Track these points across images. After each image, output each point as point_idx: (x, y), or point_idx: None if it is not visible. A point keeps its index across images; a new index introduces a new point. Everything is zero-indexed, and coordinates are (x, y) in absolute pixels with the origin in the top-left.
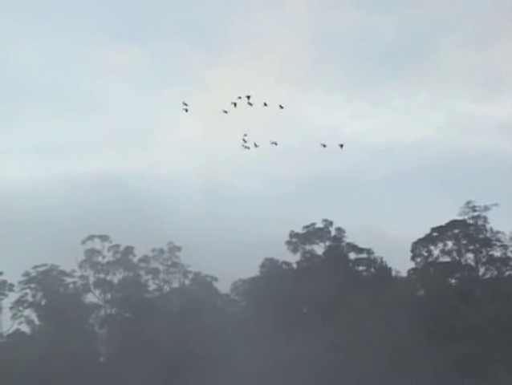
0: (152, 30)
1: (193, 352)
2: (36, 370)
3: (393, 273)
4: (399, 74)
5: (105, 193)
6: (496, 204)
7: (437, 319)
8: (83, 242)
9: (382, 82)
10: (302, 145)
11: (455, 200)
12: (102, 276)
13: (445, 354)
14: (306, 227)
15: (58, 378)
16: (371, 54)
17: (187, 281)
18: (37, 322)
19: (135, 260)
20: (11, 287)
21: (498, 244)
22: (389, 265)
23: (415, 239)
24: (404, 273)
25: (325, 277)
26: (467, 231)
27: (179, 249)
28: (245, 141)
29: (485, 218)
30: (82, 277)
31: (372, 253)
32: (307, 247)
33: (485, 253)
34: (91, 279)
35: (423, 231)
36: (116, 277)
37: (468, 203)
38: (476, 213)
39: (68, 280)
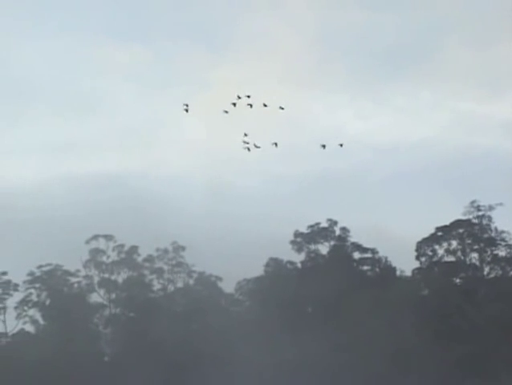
0: (155, 30)
1: (198, 352)
2: (41, 369)
3: (398, 272)
4: (402, 73)
5: (109, 193)
6: (500, 204)
7: (442, 319)
8: (88, 242)
9: (385, 81)
10: (305, 144)
11: (459, 200)
12: (106, 276)
13: (449, 354)
14: (311, 226)
15: (62, 378)
16: (375, 53)
17: (191, 281)
18: (41, 321)
19: (139, 259)
20: (16, 287)
21: (503, 243)
22: (394, 264)
23: (419, 238)
24: (408, 273)
25: (329, 276)
26: (472, 230)
27: (183, 248)
28: (246, 142)
29: (490, 218)
30: (86, 276)
31: (377, 252)
32: (312, 247)
33: (489, 252)
34: (96, 279)
35: (427, 230)
36: (121, 277)
37: (472, 202)
38: (480, 213)
39: (73, 280)
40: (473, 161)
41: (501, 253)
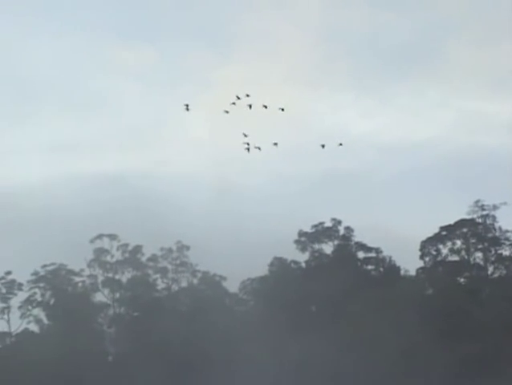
0: (159, 30)
1: (202, 351)
2: (45, 369)
3: (402, 272)
4: (407, 73)
5: (113, 192)
6: (505, 203)
7: (446, 318)
8: (92, 241)
9: (390, 81)
10: (310, 144)
11: (464, 199)
12: (110, 275)
13: (454, 353)
14: (315, 226)
15: (66, 377)
16: (379, 53)
17: (195, 281)
18: (45, 321)
19: (143, 259)
20: (20, 286)
21: (507, 243)
22: (398, 264)
23: (423, 238)
24: (412, 272)
25: (334, 276)
26: (476, 230)
27: (187, 248)
28: (246, 143)
29: (494, 217)
30: (90, 276)
31: (381, 252)
32: (316, 246)
33: (493, 251)
34: (100, 278)
35: (431, 230)
36: (125, 277)
37: (476, 202)
38: (484, 212)
39: (77, 279)
40: (478, 160)
41: (506, 252)
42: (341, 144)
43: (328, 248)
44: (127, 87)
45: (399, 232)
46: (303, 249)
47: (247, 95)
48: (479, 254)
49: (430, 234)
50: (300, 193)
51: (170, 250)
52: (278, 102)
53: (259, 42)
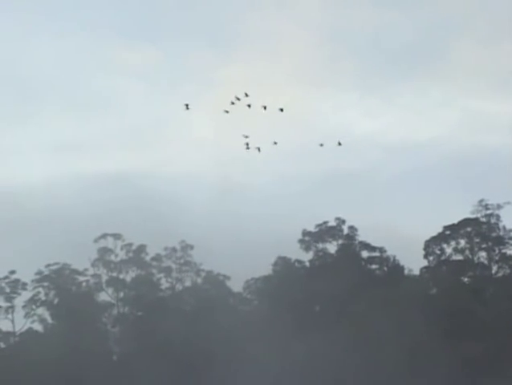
0: (163, 30)
1: (206, 351)
2: (49, 368)
3: (406, 271)
4: (411, 72)
5: (117, 192)
6: (508, 203)
7: (450, 317)
8: (96, 241)
9: (394, 80)
10: (314, 144)
11: (468, 198)
12: (114, 274)
13: (458, 353)
14: (319, 225)
15: (70, 377)
16: (384, 52)
17: (199, 280)
18: (50, 320)
19: (147, 258)
20: (24, 286)
21: (511, 242)
22: (402, 263)
23: (427, 237)
24: (416, 272)
25: (337, 275)
26: (480, 229)
27: (191, 247)
28: (247, 144)
29: (498, 216)
30: (94, 275)
31: (385, 251)
32: (320, 245)
33: (497, 251)
34: (104, 278)
35: (435, 229)
36: (129, 276)
37: (480, 201)
38: (488, 211)
39: (81, 278)
40: (482, 160)
41: (510, 251)
42: (340, 144)
43: (332, 247)
44: (129, 86)
45: (403, 231)
46: (307, 249)
47: (246, 95)
48: (483, 253)
49: (434, 233)
50: (304, 193)
51: (174, 250)
52: (280, 102)
53: (262, 42)
